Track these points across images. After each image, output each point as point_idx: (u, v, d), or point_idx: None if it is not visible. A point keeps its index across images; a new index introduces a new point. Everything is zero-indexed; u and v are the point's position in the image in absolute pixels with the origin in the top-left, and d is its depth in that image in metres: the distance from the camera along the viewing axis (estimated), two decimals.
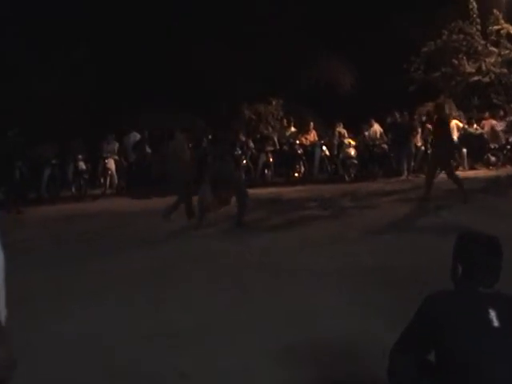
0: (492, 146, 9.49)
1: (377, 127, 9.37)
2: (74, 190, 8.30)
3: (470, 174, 8.83)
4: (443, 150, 5.98)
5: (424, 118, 9.13)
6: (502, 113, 10.00)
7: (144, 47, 9.59)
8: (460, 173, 8.89)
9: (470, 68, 10.79)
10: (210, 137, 5.45)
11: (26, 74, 9.20)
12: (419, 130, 9.35)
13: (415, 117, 9.68)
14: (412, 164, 9.10)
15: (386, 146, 9.25)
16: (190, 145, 8.24)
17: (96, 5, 9.57)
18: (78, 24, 9.44)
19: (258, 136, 9.70)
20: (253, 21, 9.67)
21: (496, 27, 10.85)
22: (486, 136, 9.55)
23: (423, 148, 9.29)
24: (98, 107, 9.26)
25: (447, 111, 10.38)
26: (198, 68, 9.38)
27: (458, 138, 9.37)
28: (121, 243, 4.63)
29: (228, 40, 9.36)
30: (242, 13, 9.59)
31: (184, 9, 9.76)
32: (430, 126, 8.67)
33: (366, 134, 9.39)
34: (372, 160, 9.17)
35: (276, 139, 9.43)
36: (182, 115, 8.98)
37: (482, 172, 9.00)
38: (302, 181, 8.84)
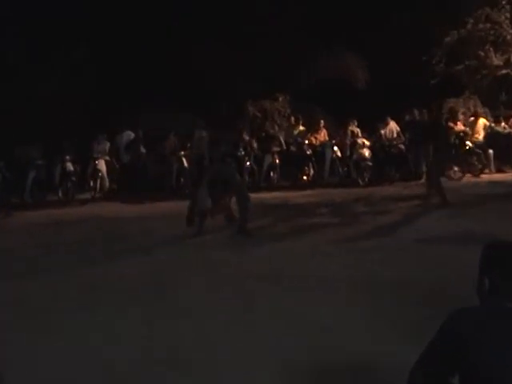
0: None
1: (393, 125, 9.18)
2: (60, 193, 7.92)
3: (497, 177, 8.63)
4: (443, 152, 5.95)
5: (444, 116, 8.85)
6: None
7: (144, 47, 9.79)
8: (486, 176, 8.67)
9: (497, 60, 10.46)
10: (209, 138, 5.39)
11: (26, 74, 9.39)
12: None
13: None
14: None
15: (403, 147, 9.04)
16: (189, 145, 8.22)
17: (96, 5, 9.79)
18: (78, 24, 9.69)
19: (263, 135, 9.52)
20: (253, 21, 9.81)
21: None
22: None
23: None
24: (97, 107, 9.38)
25: (472, 108, 10.15)
26: (198, 68, 9.51)
27: (484, 137, 9.10)
28: (112, 251, 4.64)
29: (228, 40, 9.49)
30: (242, 13, 9.75)
31: (184, 9, 9.96)
32: (452, 125, 8.46)
33: (382, 132, 9.20)
34: (388, 162, 8.96)
35: (282, 139, 9.24)
36: (182, 115, 9.04)
37: (510, 175, 8.83)
38: (310, 184, 8.70)
